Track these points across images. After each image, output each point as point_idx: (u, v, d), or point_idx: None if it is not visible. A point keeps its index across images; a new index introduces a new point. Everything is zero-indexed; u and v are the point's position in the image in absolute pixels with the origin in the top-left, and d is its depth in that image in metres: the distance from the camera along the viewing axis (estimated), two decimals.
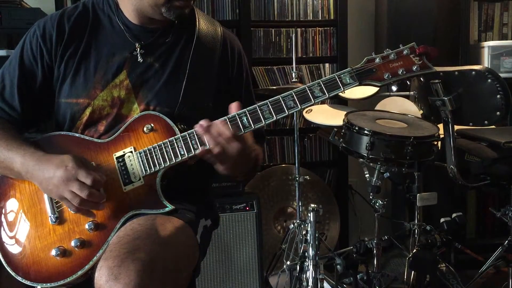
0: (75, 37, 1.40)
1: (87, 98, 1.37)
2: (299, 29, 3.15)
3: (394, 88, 1.32)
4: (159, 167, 1.29)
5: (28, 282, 1.28)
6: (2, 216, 1.36)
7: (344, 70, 1.27)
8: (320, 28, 3.20)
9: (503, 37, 3.25)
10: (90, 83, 1.38)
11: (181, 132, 1.30)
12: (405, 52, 1.27)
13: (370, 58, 1.28)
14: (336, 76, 1.26)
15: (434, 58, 1.28)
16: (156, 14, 1.36)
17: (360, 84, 1.27)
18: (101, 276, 1.10)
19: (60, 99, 1.41)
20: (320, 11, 3.20)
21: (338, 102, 3.08)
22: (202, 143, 1.25)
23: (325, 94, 1.26)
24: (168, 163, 1.29)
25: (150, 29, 1.42)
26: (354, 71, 1.26)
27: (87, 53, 1.40)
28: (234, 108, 1.26)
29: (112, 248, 1.15)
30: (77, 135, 1.37)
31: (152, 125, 1.33)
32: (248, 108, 1.26)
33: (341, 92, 1.27)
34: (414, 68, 1.26)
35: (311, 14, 3.19)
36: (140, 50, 1.39)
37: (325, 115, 2.65)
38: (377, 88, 2.53)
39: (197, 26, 1.45)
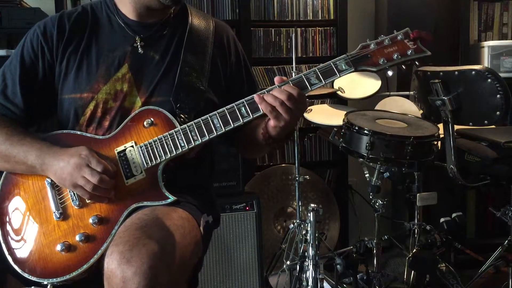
0: (76, 35, 1.43)
1: (90, 92, 1.39)
2: (299, 29, 3.15)
3: (390, 73, 1.33)
4: (160, 159, 1.32)
5: (34, 278, 1.29)
6: (7, 214, 1.37)
7: (339, 57, 1.29)
8: (320, 28, 3.20)
9: (503, 37, 3.26)
10: (93, 77, 1.40)
11: (181, 125, 1.33)
12: (399, 37, 1.30)
13: (365, 44, 1.31)
14: (331, 63, 1.29)
15: (429, 42, 1.30)
16: (153, 1, 1.39)
17: (355, 70, 1.30)
18: (112, 261, 1.11)
19: (63, 95, 1.42)
20: (320, 11, 3.20)
21: (338, 102, 3.08)
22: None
23: (322, 81, 1.29)
24: (169, 155, 1.31)
25: (148, 23, 1.45)
26: (349, 57, 1.29)
27: (89, 49, 1.42)
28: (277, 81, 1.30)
29: (121, 235, 1.17)
30: (78, 132, 1.39)
31: (152, 119, 1.35)
32: (246, 98, 1.30)
33: (337, 78, 1.30)
34: (409, 52, 1.29)
35: (311, 14, 3.19)
36: (140, 42, 1.43)
37: (325, 115, 2.65)
38: (377, 88, 2.53)
39: (190, 18, 1.50)
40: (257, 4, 3.11)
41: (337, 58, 1.29)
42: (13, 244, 1.34)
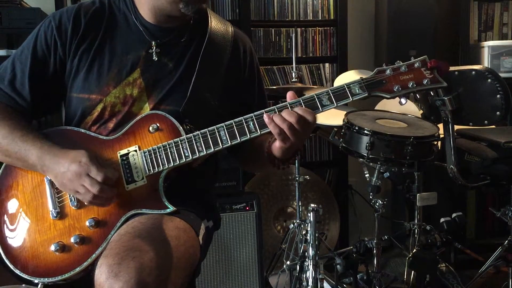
0: (91, 32, 1.39)
1: (99, 94, 1.37)
2: (299, 29, 3.15)
3: (403, 101, 1.29)
4: (162, 167, 1.29)
5: (26, 275, 1.27)
6: (4, 208, 1.35)
7: (354, 80, 1.26)
8: (320, 28, 3.20)
9: (503, 37, 3.26)
10: (104, 79, 1.37)
11: (187, 133, 1.30)
12: (416, 65, 1.25)
13: (381, 69, 1.26)
14: (345, 85, 1.25)
15: (446, 72, 1.25)
16: (174, 10, 1.35)
17: (369, 96, 1.26)
18: (101, 274, 1.09)
19: (72, 94, 1.40)
20: (320, 11, 3.20)
21: None
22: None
23: (334, 103, 1.26)
24: (172, 164, 1.28)
25: (165, 28, 1.41)
26: (364, 82, 1.25)
27: (102, 49, 1.39)
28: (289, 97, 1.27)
29: (112, 245, 1.15)
30: (82, 130, 1.37)
31: (158, 124, 1.32)
32: (255, 113, 1.26)
33: (349, 101, 1.26)
34: (425, 81, 1.24)
35: (311, 14, 3.20)
36: (156, 48, 1.39)
37: (325, 115, 2.63)
38: None
39: (210, 25, 1.45)
40: (257, 4, 3.11)
41: (351, 81, 1.25)
42: (8, 240, 1.32)
